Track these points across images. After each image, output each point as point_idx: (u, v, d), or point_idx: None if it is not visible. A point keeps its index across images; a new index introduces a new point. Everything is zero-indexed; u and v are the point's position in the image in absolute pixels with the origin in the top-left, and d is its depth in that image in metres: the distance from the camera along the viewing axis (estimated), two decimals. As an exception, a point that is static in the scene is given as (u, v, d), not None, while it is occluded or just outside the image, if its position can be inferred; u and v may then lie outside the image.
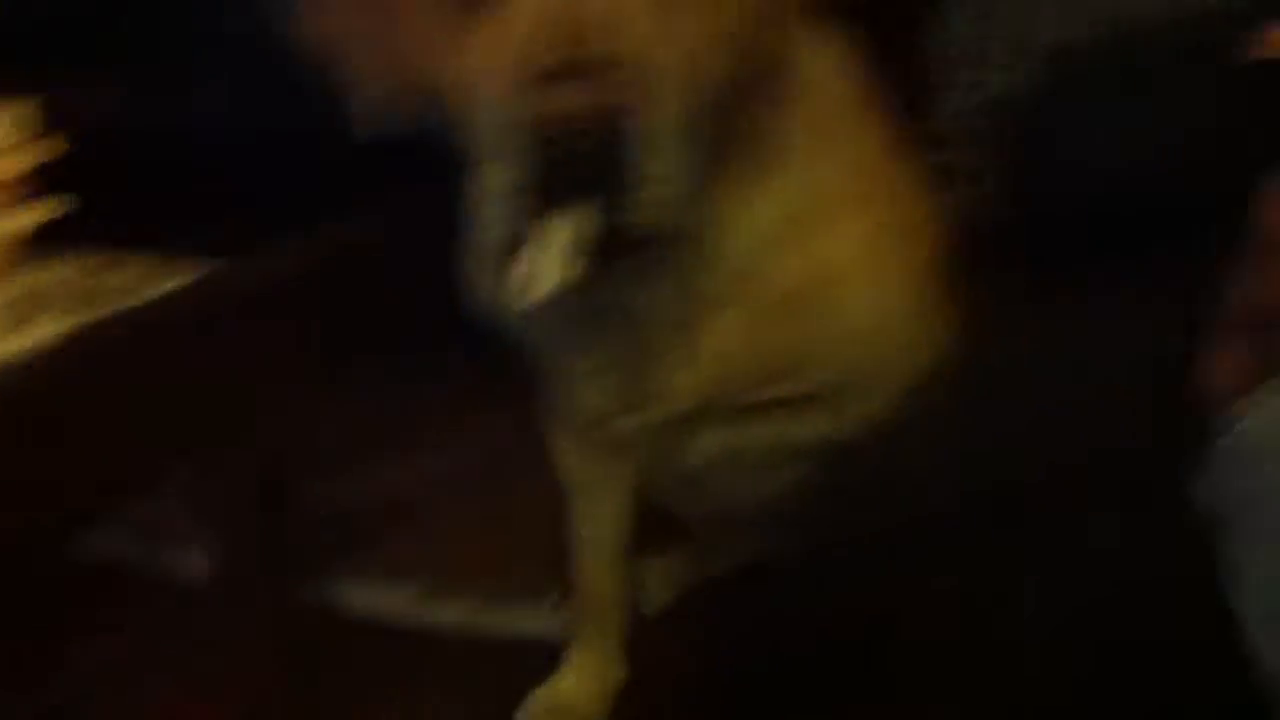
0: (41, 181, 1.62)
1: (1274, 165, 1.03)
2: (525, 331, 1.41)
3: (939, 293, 1.40)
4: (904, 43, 2.39)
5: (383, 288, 2.42)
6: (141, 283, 1.59)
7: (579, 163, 0.98)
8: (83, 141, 1.65)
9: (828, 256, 1.31)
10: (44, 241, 1.67)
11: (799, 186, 1.29)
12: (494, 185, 1.03)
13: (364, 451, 2.19)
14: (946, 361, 1.37)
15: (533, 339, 1.41)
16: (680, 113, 1.04)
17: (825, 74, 1.34)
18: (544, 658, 1.63)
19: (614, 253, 1.18)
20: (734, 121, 1.21)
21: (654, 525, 1.65)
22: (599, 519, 1.60)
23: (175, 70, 2.58)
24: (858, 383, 1.37)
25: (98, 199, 1.66)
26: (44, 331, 1.47)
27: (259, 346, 1.73)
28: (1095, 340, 1.30)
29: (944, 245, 1.46)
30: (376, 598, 1.86)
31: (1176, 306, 1.15)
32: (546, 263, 1.03)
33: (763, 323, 1.31)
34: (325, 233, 2.19)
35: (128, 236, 1.70)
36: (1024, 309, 1.42)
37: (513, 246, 1.04)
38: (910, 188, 1.45)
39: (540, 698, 1.59)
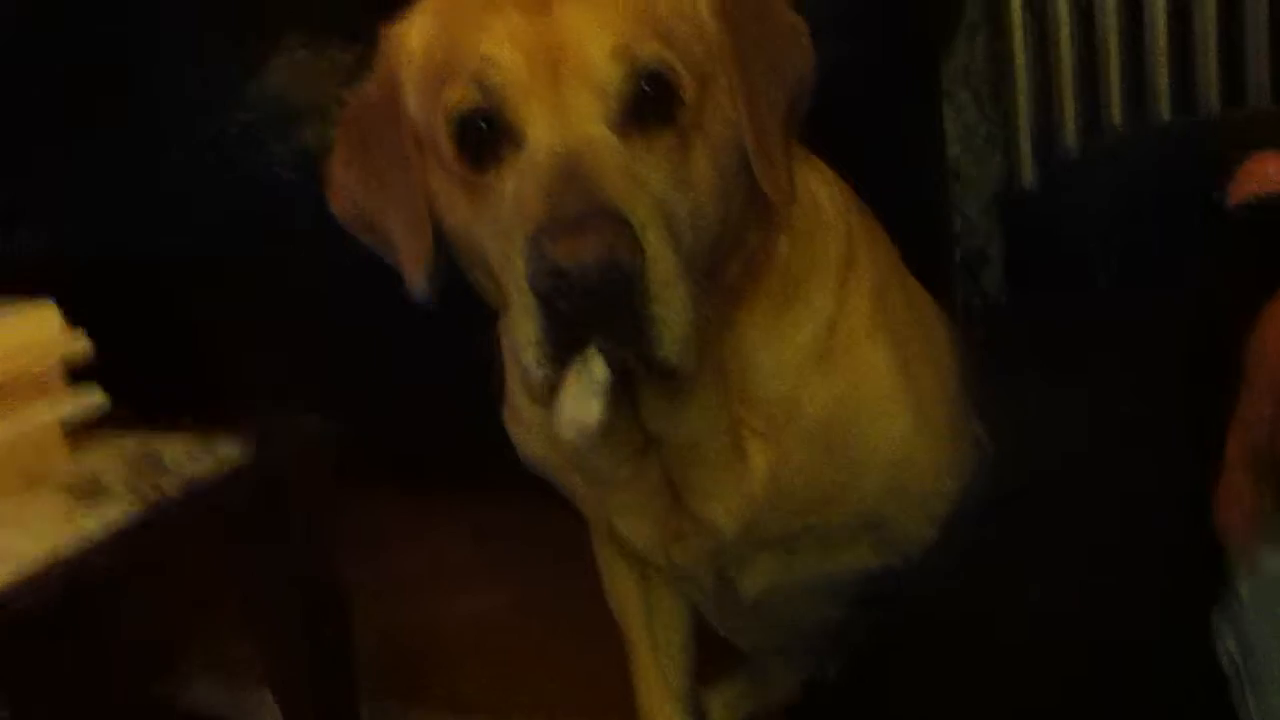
0: (71, 374, 1.68)
1: (1265, 295, 1.02)
2: (565, 470, 1.42)
3: (961, 418, 1.41)
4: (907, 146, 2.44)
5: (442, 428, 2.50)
6: (188, 462, 1.63)
7: (594, 307, 1.04)
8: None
9: (855, 383, 1.34)
10: (88, 428, 1.71)
11: (820, 315, 1.33)
12: (521, 334, 1.08)
13: (428, 585, 2.23)
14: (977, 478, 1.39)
15: (572, 478, 1.43)
16: (681, 254, 1.09)
17: (829, 203, 1.36)
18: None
19: (639, 386, 1.23)
20: (742, 256, 1.24)
21: (714, 653, 1.65)
22: (656, 649, 1.60)
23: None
24: (897, 509, 1.38)
25: (134, 382, 1.72)
26: (101, 517, 1.51)
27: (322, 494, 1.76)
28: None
29: (962, 357, 1.48)
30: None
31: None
32: (584, 400, 1.08)
33: (798, 452, 1.33)
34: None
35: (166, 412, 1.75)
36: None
37: (550, 388, 1.09)
38: (925, 304, 1.47)
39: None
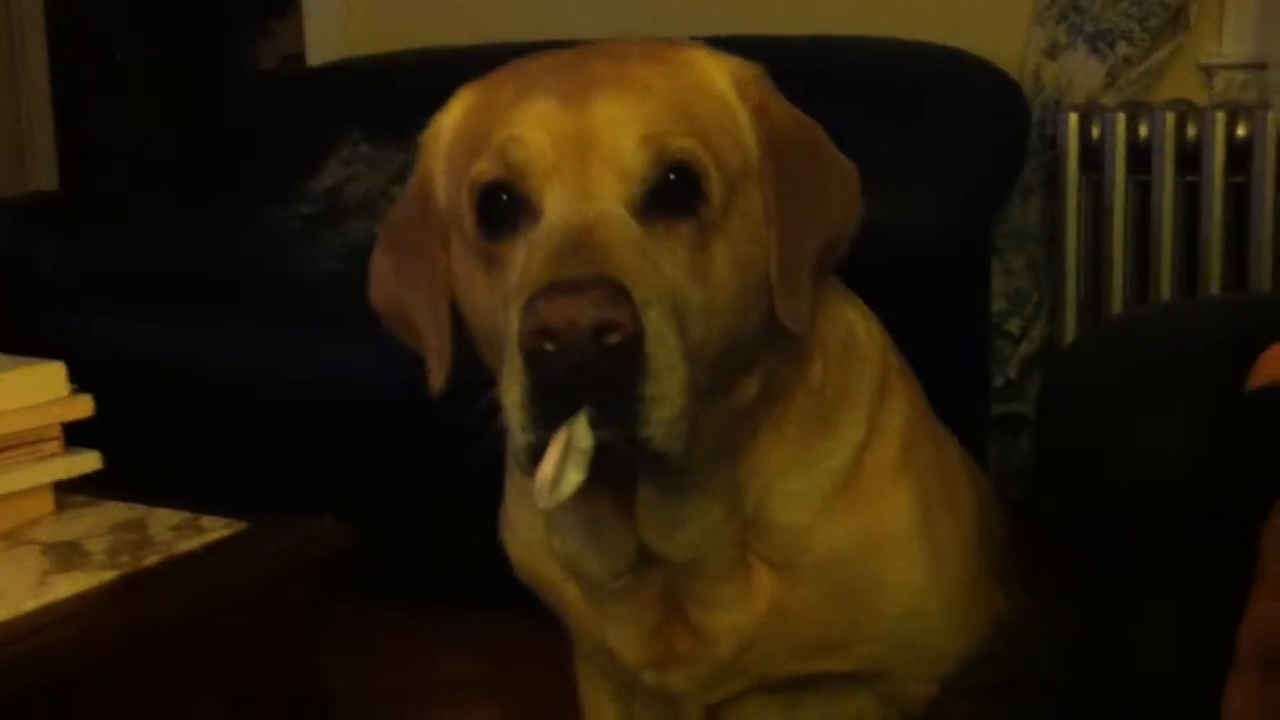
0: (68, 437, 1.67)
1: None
2: (558, 584, 1.38)
3: (987, 571, 1.37)
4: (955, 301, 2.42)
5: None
6: (173, 536, 1.60)
7: (582, 374, 1.01)
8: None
9: (875, 522, 1.30)
10: (76, 493, 1.70)
11: (849, 445, 1.29)
12: (510, 398, 1.05)
13: (419, 699, 2.20)
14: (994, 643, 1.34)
15: (565, 592, 1.38)
16: (686, 344, 1.06)
17: (867, 337, 1.34)
18: None
19: (638, 495, 1.20)
20: (761, 375, 1.21)
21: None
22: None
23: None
24: (902, 662, 1.34)
25: (131, 454, 1.70)
26: (76, 582, 1.48)
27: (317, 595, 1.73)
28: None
29: (993, 521, 1.43)
30: None
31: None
32: (564, 468, 1.04)
33: (806, 585, 1.28)
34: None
35: (159, 490, 1.72)
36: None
37: (533, 456, 1.05)
38: (955, 456, 1.43)
39: None
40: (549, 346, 1.00)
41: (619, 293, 1.00)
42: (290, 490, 2.44)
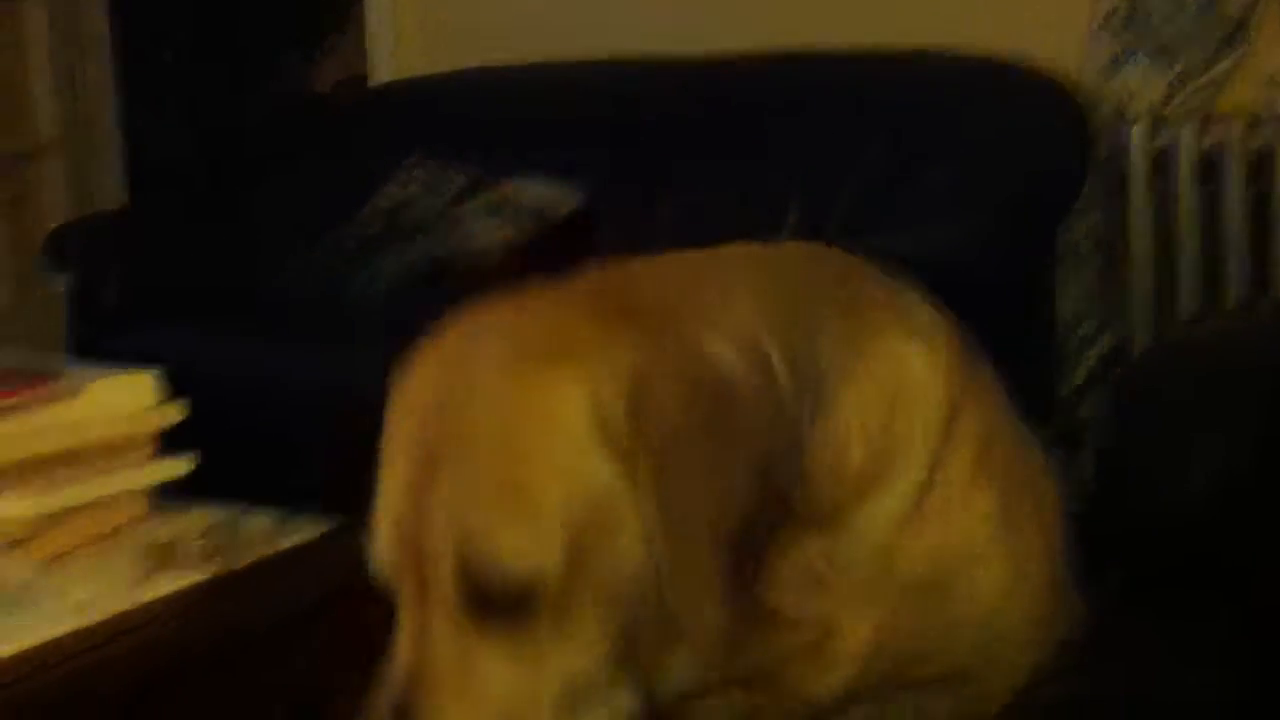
0: (163, 443, 1.70)
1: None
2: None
3: (1061, 574, 1.38)
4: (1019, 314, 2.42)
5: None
6: (266, 538, 1.63)
7: None
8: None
9: (957, 541, 1.29)
10: (170, 497, 1.73)
11: (911, 480, 1.27)
12: None
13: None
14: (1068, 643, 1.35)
15: None
16: None
17: (924, 367, 1.31)
18: None
19: None
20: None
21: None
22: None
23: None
24: (985, 664, 1.34)
25: (222, 457, 1.72)
26: (171, 583, 1.51)
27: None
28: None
29: (1064, 525, 1.43)
30: None
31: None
32: None
33: (896, 614, 1.27)
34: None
35: (251, 492, 1.75)
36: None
37: None
38: (1032, 465, 1.43)
39: None
40: None
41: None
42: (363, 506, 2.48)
